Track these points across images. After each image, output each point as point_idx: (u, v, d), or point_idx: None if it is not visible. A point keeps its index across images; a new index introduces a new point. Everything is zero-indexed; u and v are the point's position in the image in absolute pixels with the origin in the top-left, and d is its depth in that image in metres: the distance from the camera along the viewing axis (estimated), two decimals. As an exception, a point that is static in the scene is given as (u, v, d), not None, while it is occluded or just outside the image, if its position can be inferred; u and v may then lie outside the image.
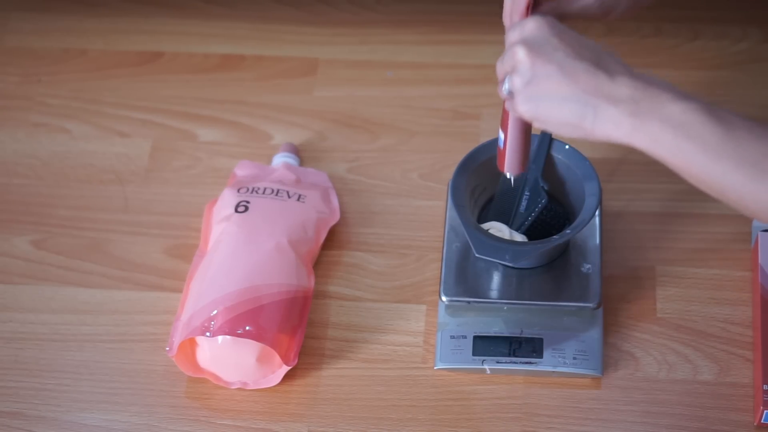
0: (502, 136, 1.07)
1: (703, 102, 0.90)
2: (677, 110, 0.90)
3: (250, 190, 1.27)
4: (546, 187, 1.20)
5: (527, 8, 0.99)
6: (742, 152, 0.88)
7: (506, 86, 0.98)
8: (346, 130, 1.40)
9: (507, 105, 1.01)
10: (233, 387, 1.20)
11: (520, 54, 0.95)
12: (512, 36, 0.97)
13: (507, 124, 1.06)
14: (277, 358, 1.18)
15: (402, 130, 1.39)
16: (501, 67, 0.98)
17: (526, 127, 1.06)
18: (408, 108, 1.41)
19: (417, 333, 1.23)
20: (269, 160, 1.35)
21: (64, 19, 1.51)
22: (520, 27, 0.96)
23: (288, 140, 1.38)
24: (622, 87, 0.92)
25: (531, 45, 0.94)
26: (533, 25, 0.95)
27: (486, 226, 1.20)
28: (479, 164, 1.21)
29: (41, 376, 1.22)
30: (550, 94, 0.94)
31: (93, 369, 1.22)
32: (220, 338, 1.17)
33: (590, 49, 0.94)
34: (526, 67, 0.94)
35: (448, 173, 1.27)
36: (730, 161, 0.88)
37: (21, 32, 1.51)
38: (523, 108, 0.96)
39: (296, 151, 1.36)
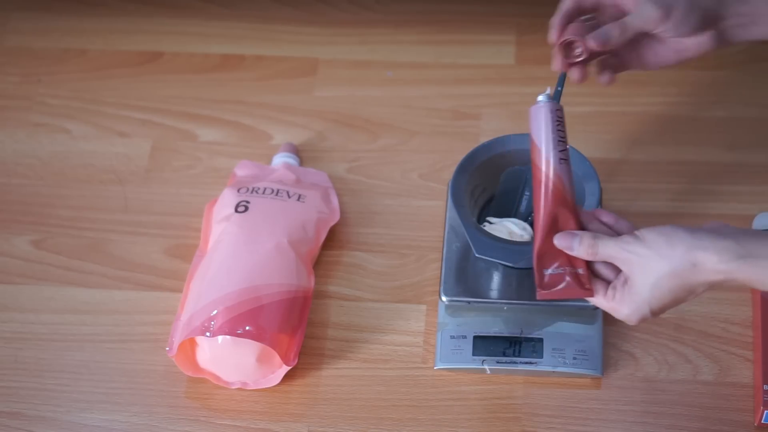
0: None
1: None
2: None
3: (250, 190, 1.27)
4: (546, 187, 1.20)
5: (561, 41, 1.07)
6: None
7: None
8: (346, 130, 1.40)
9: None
10: (233, 387, 1.20)
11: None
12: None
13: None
14: (277, 358, 1.18)
15: (402, 130, 1.39)
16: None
17: None
18: (408, 108, 1.41)
19: (417, 333, 1.23)
20: (269, 160, 1.35)
21: (64, 19, 1.51)
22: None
23: (288, 140, 1.38)
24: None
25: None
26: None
27: (491, 226, 1.20)
28: (479, 164, 1.21)
29: (41, 376, 1.22)
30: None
31: (93, 369, 1.22)
32: (220, 338, 1.17)
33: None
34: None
35: (448, 173, 1.26)
36: None
37: (21, 32, 1.51)
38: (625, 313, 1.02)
39: (296, 151, 1.36)
